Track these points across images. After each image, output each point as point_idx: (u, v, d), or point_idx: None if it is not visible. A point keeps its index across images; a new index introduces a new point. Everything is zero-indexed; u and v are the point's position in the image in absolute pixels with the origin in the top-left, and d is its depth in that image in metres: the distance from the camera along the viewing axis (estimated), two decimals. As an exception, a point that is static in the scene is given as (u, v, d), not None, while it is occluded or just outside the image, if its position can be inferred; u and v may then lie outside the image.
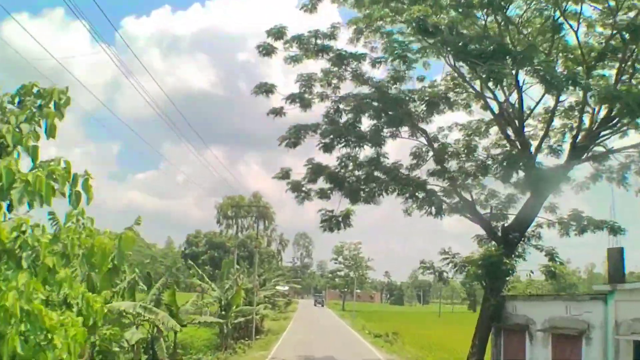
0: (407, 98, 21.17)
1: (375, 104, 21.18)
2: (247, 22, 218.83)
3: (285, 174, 24.09)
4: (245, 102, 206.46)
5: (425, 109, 21.50)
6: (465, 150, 22.24)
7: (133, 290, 19.92)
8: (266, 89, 22.70)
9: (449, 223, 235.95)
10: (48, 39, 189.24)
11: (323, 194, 22.19)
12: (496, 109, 21.88)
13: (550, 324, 18.78)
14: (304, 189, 22.58)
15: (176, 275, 55.65)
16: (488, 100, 21.33)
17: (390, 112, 21.04)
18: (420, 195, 20.90)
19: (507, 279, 22.13)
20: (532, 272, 21.67)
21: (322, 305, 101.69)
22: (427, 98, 20.94)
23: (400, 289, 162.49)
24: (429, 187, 21.83)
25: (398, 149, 32.51)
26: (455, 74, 21.50)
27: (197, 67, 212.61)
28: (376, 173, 22.35)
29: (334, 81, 22.09)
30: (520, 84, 19.99)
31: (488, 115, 23.01)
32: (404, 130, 22.58)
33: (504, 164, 19.04)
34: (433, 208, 20.32)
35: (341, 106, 22.59)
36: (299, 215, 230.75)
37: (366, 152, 22.17)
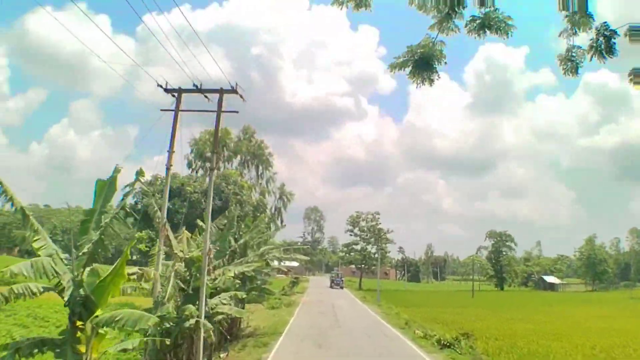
0: None
1: None
2: (260, 18, 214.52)
3: None
4: (258, 91, 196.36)
5: None
6: None
7: None
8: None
9: (449, 203, 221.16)
10: (71, 28, 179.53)
11: None
12: None
13: None
14: None
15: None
16: None
17: None
18: None
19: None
20: None
21: (341, 288, 78.09)
22: None
23: (417, 266, 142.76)
24: None
25: None
26: None
27: (212, 59, 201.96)
28: None
29: None
30: None
31: None
32: None
33: None
34: None
35: None
36: (310, 193, 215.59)
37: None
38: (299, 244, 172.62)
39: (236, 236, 26.38)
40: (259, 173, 41.62)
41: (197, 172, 37.87)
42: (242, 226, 26.75)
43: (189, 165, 38.71)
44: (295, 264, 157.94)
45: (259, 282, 26.02)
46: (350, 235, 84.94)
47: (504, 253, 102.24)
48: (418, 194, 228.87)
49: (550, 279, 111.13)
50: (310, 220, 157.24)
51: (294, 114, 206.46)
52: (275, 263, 38.96)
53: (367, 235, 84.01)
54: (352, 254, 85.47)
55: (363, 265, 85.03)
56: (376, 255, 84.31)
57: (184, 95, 16.02)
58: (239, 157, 39.71)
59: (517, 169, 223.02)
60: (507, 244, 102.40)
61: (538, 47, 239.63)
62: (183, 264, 16.39)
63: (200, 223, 25.71)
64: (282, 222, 43.19)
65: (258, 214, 34.14)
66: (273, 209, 42.61)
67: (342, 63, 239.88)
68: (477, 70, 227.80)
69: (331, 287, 76.65)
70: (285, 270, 27.62)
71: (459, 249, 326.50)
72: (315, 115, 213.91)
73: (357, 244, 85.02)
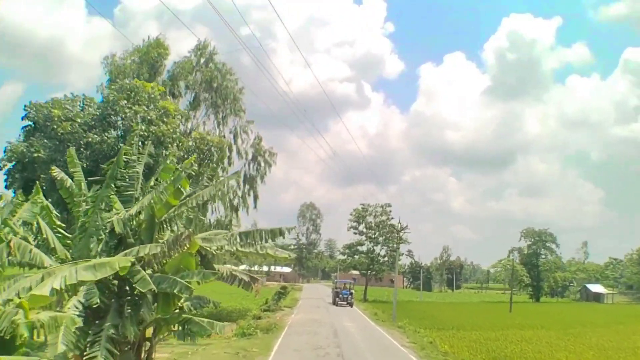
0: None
1: None
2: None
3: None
4: (248, 77, 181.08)
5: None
6: None
7: None
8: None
9: (460, 203, 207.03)
10: (42, 14, 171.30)
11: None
12: None
13: None
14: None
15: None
16: None
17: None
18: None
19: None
20: None
21: (351, 305, 51.98)
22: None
23: (429, 272, 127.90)
24: None
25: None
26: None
27: (197, 41, 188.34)
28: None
29: None
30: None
31: None
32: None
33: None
34: None
35: None
36: (306, 193, 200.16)
37: None
38: (292, 246, 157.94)
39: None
40: (221, 117, 24.92)
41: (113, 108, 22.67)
42: (152, 183, 12.66)
43: (108, 102, 22.77)
44: (286, 269, 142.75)
45: (186, 303, 11.71)
46: (355, 233, 70.19)
47: (544, 256, 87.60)
48: (426, 193, 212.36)
49: (596, 288, 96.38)
50: (305, 219, 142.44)
51: (289, 103, 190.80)
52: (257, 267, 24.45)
53: (374, 234, 69.46)
54: (356, 256, 70.59)
55: (369, 272, 70.37)
56: (385, 259, 70.00)
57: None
58: (188, 92, 24.43)
59: (538, 164, 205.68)
60: (547, 245, 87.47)
61: (572, 18, 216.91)
62: None
63: (58, 173, 11.46)
64: (256, 199, 25.92)
65: (207, 164, 19.57)
66: (242, 179, 25.91)
67: (344, 43, 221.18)
68: (499, 47, 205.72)
69: (335, 303, 52.26)
70: (247, 279, 12.75)
71: (471, 253, 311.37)
72: (313, 104, 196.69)
73: (362, 244, 70.25)
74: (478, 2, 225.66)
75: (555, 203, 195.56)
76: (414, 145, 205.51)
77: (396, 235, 65.80)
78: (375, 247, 69.61)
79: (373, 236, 69.48)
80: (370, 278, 71.74)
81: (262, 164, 23.77)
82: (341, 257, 77.62)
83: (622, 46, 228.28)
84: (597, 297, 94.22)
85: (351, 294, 53.47)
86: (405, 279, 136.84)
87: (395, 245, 68.37)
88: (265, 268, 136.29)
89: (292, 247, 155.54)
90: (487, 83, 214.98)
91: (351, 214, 70.80)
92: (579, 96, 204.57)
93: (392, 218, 68.40)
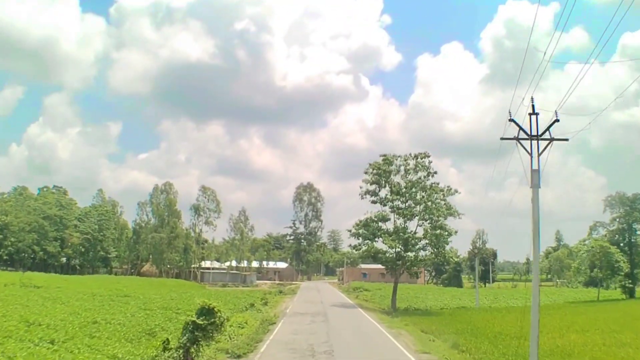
0: None
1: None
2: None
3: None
4: (245, 72, 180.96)
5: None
6: None
7: None
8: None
9: (461, 194, 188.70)
10: (34, 11, 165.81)
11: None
12: None
13: None
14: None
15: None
16: None
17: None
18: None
19: None
20: None
21: None
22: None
23: (458, 264, 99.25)
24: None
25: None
26: None
27: (193, 37, 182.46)
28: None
29: None
30: None
31: None
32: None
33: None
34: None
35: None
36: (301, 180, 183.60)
37: None
38: (289, 236, 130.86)
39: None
40: None
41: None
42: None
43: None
44: (282, 265, 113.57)
45: None
46: (373, 202, 42.97)
47: (638, 232, 60.37)
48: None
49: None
50: (302, 203, 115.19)
51: (286, 98, 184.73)
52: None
53: (405, 202, 42.45)
54: (378, 240, 42.92)
55: (400, 264, 42.92)
56: (426, 241, 42.65)
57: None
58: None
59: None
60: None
61: (570, 3, 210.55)
62: None
63: None
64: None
65: None
66: None
67: (340, 35, 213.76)
68: (496, 35, 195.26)
69: None
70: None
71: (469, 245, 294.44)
72: (310, 98, 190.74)
73: (385, 219, 42.98)
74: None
75: (557, 191, 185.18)
76: (412, 137, 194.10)
77: (443, 202, 38.93)
78: (407, 224, 42.36)
79: (403, 205, 42.29)
80: (401, 273, 44.38)
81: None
82: (353, 241, 46.64)
83: (620, 31, 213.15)
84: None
85: None
86: (426, 272, 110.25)
87: (442, 220, 41.34)
88: (255, 264, 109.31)
89: (288, 237, 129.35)
90: (485, 71, 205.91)
91: (366, 172, 43.61)
92: (578, 82, 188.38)
93: (435, 173, 41.47)
